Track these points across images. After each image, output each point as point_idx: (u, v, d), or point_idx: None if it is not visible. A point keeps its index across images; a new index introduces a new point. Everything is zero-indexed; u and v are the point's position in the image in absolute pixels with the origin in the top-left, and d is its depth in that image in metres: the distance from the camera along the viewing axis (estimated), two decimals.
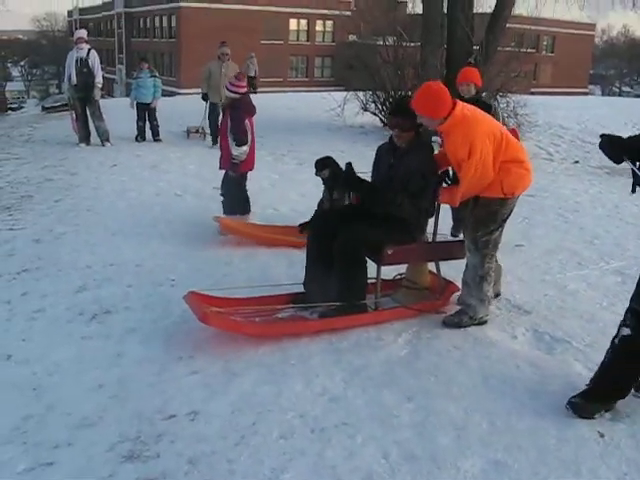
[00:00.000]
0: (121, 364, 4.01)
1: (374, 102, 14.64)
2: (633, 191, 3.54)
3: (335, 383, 3.81)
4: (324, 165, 6.26)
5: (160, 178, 9.33)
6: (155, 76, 12.68)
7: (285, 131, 13.60)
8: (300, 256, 5.58)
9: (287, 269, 5.66)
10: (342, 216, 4.73)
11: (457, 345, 4.35)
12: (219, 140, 6.90)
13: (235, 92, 6.67)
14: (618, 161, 3.56)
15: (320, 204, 6.52)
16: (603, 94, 61.41)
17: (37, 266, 5.72)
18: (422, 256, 4.86)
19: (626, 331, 3.48)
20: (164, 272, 5.54)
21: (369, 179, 4.90)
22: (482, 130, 4.32)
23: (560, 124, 14.91)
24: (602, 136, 3.61)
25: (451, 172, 4.89)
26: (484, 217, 4.52)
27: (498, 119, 5.92)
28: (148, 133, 12.64)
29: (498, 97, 12.94)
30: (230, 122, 6.63)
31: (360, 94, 14.78)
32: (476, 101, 5.95)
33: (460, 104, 4.35)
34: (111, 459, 3.13)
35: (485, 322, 4.67)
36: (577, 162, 12.24)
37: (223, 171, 6.91)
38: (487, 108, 5.79)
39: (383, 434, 3.32)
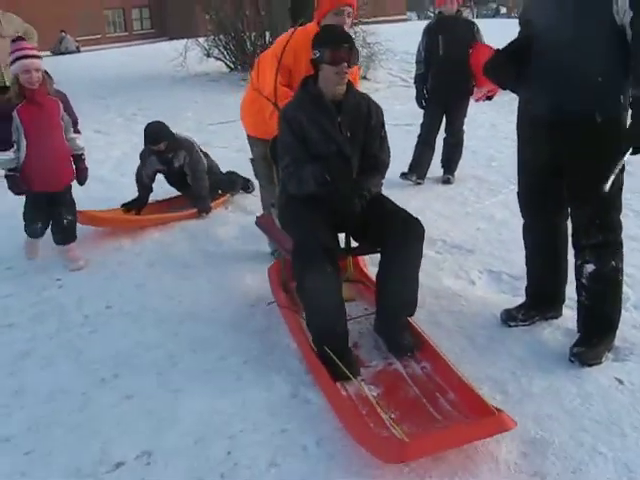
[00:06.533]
0: None
1: (217, 47, 13.77)
2: None
3: None
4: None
5: None
6: None
7: (128, 89, 12.40)
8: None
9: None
10: None
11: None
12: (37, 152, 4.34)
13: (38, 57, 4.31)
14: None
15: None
16: (419, 19, 62.81)
17: None
18: None
19: (590, 267, 3.12)
20: None
21: None
22: None
23: (405, 50, 14.54)
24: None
25: None
26: None
27: (481, 38, 5.91)
28: None
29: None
30: (63, 107, 4.41)
31: (201, 40, 13.84)
32: (457, 19, 6.04)
33: None
34: None
35: None
36: None
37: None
38: (470, 26, 5.98)
39: None
